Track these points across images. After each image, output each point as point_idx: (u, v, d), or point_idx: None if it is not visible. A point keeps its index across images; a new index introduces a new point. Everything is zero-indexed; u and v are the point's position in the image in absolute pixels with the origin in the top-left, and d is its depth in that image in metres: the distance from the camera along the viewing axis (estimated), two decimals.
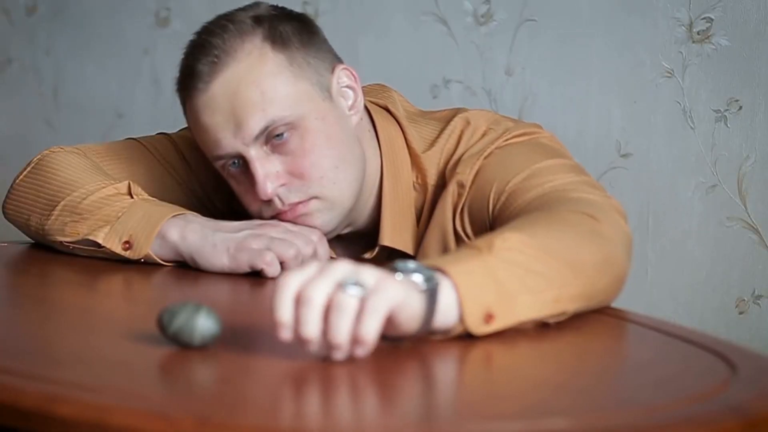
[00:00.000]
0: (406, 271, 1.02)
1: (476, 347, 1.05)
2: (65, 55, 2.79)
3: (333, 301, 0.97)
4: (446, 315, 1.04)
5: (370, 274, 0.99)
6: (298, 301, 0.97)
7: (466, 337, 1.06)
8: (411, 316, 1.01)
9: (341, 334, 0.97)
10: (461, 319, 1.05)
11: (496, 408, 0.93)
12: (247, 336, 1.09)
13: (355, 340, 0.97)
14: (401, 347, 1.03)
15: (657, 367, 1.07)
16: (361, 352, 0.98)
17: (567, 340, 1.11)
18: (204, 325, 1.01)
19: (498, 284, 1.07)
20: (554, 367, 1.07)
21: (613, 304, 1.27)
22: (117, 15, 2.70)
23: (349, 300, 0.97)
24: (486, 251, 1.09)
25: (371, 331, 0.97)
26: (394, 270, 1.02)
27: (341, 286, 0.97)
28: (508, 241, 1.10)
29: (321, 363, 0.98)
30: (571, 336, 1.12)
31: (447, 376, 0.99)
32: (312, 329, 0.97)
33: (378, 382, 0.96)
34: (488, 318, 1.06)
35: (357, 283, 0.97)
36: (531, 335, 1.09)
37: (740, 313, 2.03)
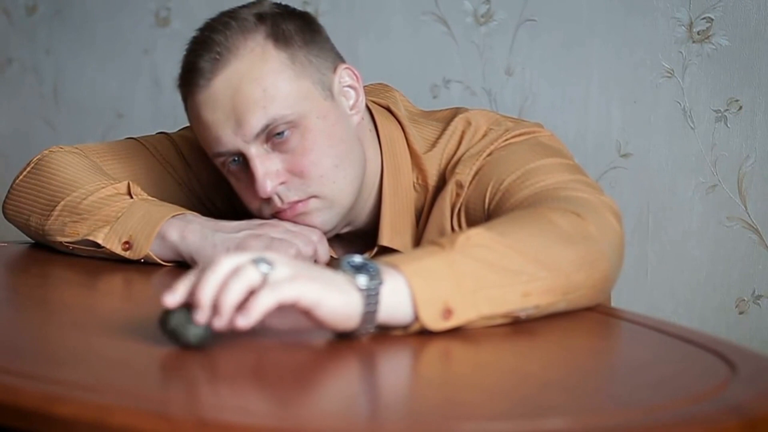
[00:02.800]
0: (350, 270, 1.04)
1: (474, 347, 1.05)
2: (65, 55, 2.79)
3: (237, 270, 0.99)
4: (396, 311, 1.05)
5: (290, 265, 1.01)
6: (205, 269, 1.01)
7: (460, 335, 1.06)
8: (338, 313, 1.02)
9: (229, 296, 0.99)
10: (416, 315, 1.06)
11: (495, 408, 0.93)
12: (246, 336, 1.09)
13: (241, 307, 0.99)
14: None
15: (656, 367, 1.07)
16: (243, 321, 0.98)
17: (566, 340, 1.11)
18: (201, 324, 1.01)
19: (456, 280, 1.07)
20: (553, 367, 1.07)
21: (613, 304, 1.27)
22: (117, 15, 2.70)
23: (253, 272, 0.99)
24: (448, 247, 1.10)
25: (260, 305, 0.98)
26: (338, 267, 1.04)
27: (255, 261, 1.00)
28: (472, 238, 1.11)
29: (320, 363, 0.98)
30: (571, 336, 1.12)
31: (443, 376, 0.99)
32: (205, 292, 0.99)
33: (369, 382, 0.96)
34: (447, 313, 1.07)
35: (269, 266, 1.00)
36: (529, 335, 1.09)
37: (740, 313, 2.03)
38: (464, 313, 1.08)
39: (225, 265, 1.01)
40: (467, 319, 1.08)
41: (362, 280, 1.04)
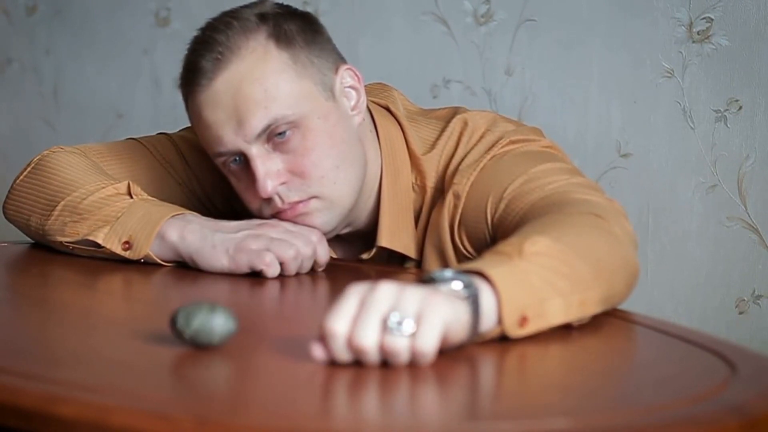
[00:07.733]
0: (444, 280, 1.02)
1: (474, 348, 1.05)
2: (65, 55, 2.79)
3: (385, 348, 0.96)
4: (488, 318, 1.04)
5: (413, 298, 0.98)
6: (352, 349, 0.97)
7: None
8: (461, 327, 1.01)
9: (402, 364, 0.98)
10: (500, 322, 1.05)
11: (496, 407, 0.93)
12: (246, 336, 1.09)
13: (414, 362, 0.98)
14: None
15: (657, 367, 1.07)
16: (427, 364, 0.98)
17: (566, 340, 1.11)
18: (224, 324, 1.01)
19: (531, 288, 1.07)
20: (553, 367, 1.07)
21: None
22: (117, 15, 2.70)
23: (402, 343, 0.96)
24: (516, 256, 1.09)
25: (430, 358, 0.98)
26: (432, 280, 1.02)
27: (388, 326, 0.96)
28: (536, 245, 1.10)
29: (321, 363, 0.98)
30: (571, 336, 1.12)
31: (443, 376, 0.99)
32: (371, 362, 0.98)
33: (376, 383, 0.96)
34: (523, 321, 1.06)
35: (403, 317, 0.96)
36: (527, 335, 1.09)
37: (740, 313, 2.03)
38: (537, 322, 1.07)
39: (369, 343, 0.97)
40: (539, 328, 1.08)
41: (461, 288, 1.02)
